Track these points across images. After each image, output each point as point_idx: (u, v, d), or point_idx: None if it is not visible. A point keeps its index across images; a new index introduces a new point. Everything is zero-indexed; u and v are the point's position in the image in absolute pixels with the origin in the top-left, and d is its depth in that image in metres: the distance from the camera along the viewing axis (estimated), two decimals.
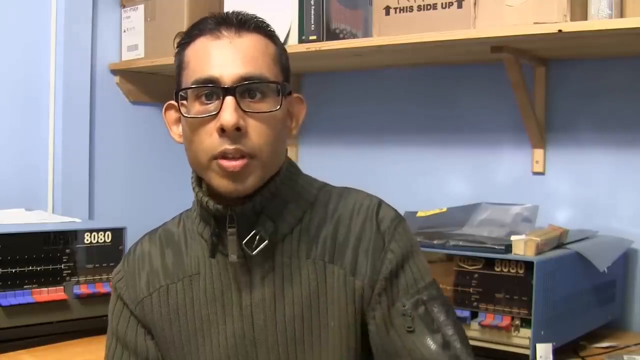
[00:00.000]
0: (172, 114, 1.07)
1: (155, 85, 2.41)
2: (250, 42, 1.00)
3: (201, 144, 0.98)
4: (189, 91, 0.99)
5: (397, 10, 1.73)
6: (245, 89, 0.97)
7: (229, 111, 0.95)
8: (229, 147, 0.96)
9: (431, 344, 0.98)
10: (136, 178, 2.41)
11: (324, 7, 1.86)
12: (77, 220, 1.90)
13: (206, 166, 0.99)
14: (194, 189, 1.06)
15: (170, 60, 2.14)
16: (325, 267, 1.02)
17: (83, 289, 1.69)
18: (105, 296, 1.70)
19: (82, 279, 1.70)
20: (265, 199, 1.01)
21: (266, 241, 1.00)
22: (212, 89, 0.98)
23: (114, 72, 2.34)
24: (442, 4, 1.67)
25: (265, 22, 1.04)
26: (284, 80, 1.03)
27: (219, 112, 0.96)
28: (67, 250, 1.68)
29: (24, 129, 2.15)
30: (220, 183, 0.98)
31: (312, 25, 1.86)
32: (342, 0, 1.88)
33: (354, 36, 1.90)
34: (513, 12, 1.57)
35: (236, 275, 1.03)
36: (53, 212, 2.16)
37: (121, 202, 2.35)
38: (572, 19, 1.51)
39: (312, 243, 1.03)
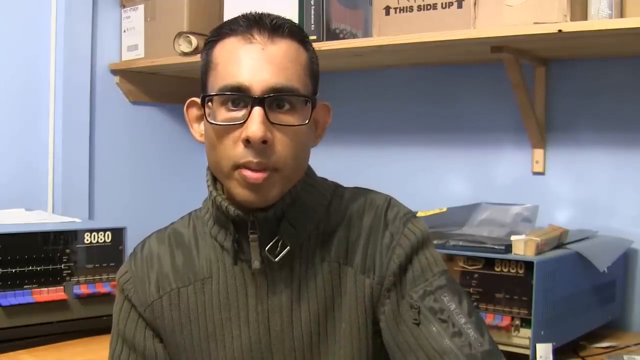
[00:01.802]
0: (194, 112, 1.05)
1: (155, 85, 2.41)
2: (282, 49, 0.97)
3: (224, 151, 0.96)
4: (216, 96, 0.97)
5: (397, 10, 1.73)
6: (274, 99, 0.95)
7: (256, 123, 0.93)
8: (253, 159, 0.94)
9: (441, 334, 0.95)
10: (136, 178, 2.41)
11: (324, 7, 1.86)
12: (77, 220, 1.90)
13: (228, 174, 0.97)
14: (210, 192, 1.03)
15: (169, 60, 2.18)
16: (340, 269, 1.01)
17: (83, 289, 1.69)
18: (106, 296, 1.70)
19: (82, 279, 1.69)
20: (287, 205, 1.00)
21: (288, 247, 1.00)
22: (240, 97, 0.95)
23: (114, 72, 2.33)
24: (442, 4, 1.67)
25: (299, 28, 1.01)
26: (313, 88, 1.01)
27: (245, 122, 0.94)
28: (67, 250, 1.68)
29: (24, 129, 2.15)
30: (241, 193, 0.97)
31: (312, 25, 1.86)
32: (342, 0, 1.88)
33: (354, 36, 1.90)
34: (513, 12, 1.57)
35: (254, 281, 1.02)
36: (53, 212, 2.16)
37: (121, 202, 2.35)
38: (572, 19, 1.51)
39: (327, 246, 1.02)
